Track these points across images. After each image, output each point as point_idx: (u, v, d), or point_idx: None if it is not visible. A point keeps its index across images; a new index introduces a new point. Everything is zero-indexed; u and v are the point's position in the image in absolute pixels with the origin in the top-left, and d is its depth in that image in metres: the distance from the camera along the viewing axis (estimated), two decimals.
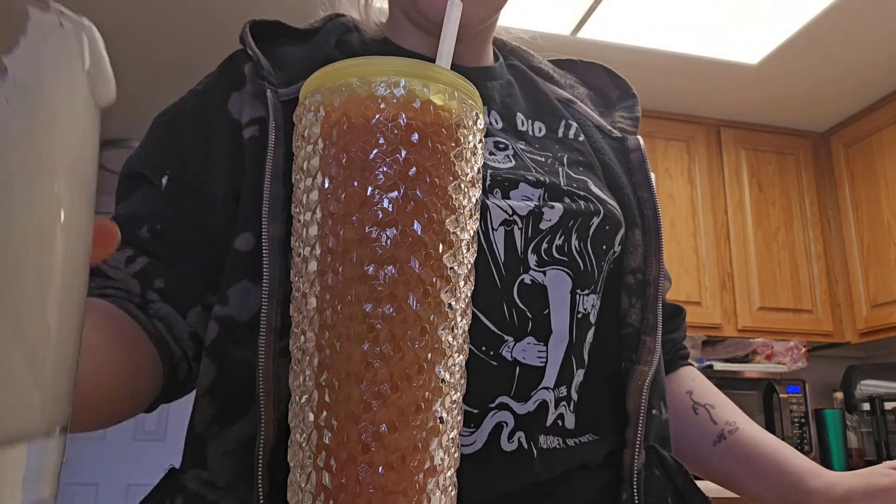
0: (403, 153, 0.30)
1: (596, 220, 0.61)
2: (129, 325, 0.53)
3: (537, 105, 0.71)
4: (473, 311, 0.43)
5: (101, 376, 0.47)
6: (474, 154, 0.33)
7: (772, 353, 2.73)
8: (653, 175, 0.71)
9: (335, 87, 0.32)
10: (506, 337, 0.56)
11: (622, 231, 0.64)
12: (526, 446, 0.56)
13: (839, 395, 2.89)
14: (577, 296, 0.60)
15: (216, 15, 2.35)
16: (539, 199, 0.60)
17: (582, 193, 0.62)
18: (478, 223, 0.34)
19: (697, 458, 0.72)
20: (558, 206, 0.59)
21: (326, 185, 0.31)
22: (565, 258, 0.59)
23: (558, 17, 2.30)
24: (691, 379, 0.76)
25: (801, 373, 2.68)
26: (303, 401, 0.31)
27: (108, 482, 3.39)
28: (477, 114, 0.34)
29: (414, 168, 0.30)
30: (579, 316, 0.60)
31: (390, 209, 0.30)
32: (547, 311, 0.58)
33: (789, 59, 2.56)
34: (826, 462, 2.65)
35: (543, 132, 0.68)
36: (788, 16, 2.31)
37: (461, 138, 0.32)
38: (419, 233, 0.30)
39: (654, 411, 0.63)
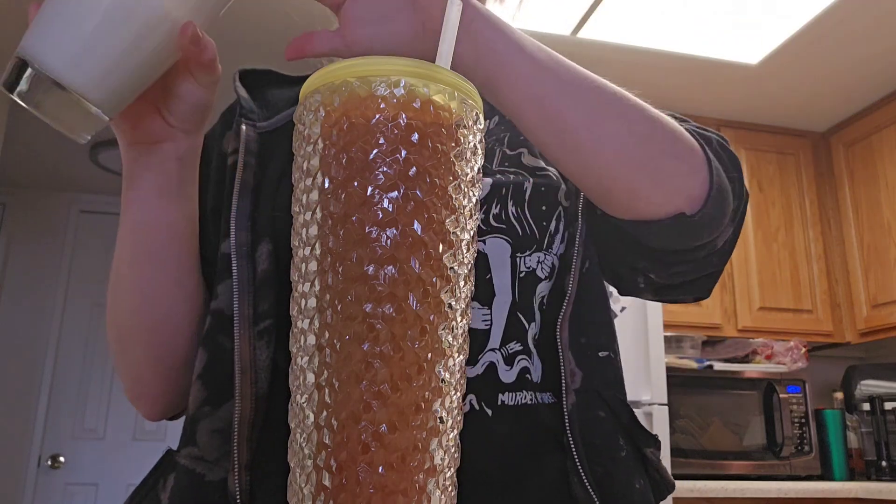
0: (403, 153, 0.30)
1: (528, 186, 0.64)
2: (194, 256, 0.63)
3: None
4: None
5: (177, 272, 0.60)
6: (474, 154, 0.33)
7: (772, 353, 2.73)
8: None
9: (335, 87, 0.31)
10: None
11: (563, 188, 0.66)
12: (478, 407, 0.58)
13: (839, 395, 2.89)
14: (518, 258, 0.63)
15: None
16: None
17: (512, 169, 0.66)
18: (478, 223, 0.34)
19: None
20: (487, 180, 0.63)
21: (326, 185, 0.31)
22: (503, 225, 0.63)
23: (558, 17, 2.30)
24: None
25: (801, 373, 2.68)
26: (303, 401, 0.31)
27: (108, 482, 3.39)
28: (477, 114, 0.34)
29: (414, 168, 0.30)
30: (521, 275, 0.63)
31: (390, 209, 0.30)
32: (489, 276, 0.61)
33: (789, 59, 2.56)
34: (826, 462, 2.65)
35: (497, 121, 0.73)
36: (788, 16, 2.31)
37: (461, 138, 0.32)
38: (419, 233, 0.30)
39: (601, 353, 0.64)
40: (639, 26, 2.36)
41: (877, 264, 2.76)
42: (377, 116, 0.30)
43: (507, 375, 0.60)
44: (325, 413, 0.30)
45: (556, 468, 0.60)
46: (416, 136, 0.30)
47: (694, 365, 2.61)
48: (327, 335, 0.30)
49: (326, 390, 0.30)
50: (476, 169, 0.34)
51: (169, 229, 0.60)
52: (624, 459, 0.61)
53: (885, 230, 2.74)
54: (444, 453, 0.31)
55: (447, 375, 0.31)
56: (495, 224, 0.63)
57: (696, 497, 2.13)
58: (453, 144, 0.32)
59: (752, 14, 2.29)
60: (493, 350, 0.60)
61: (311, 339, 0.31)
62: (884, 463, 2.58)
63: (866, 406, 2.69)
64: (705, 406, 2.49)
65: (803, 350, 2.72)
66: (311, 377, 0.31)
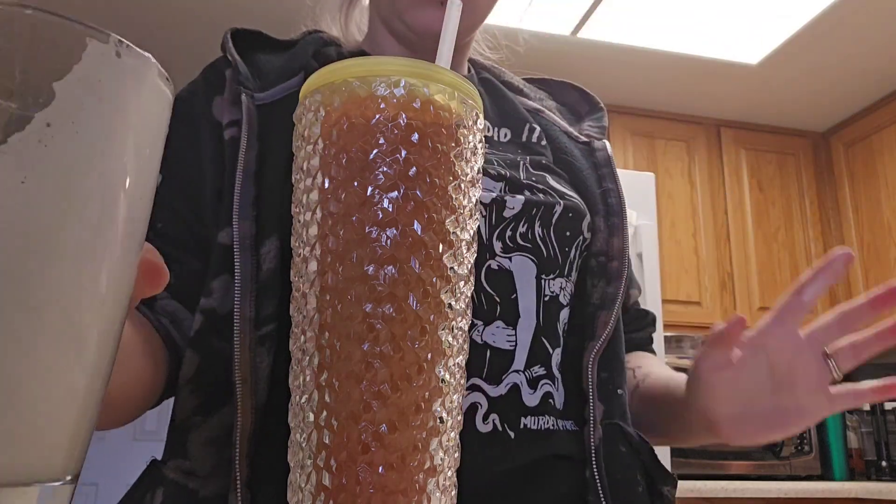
0: (403, 153, 0.30)
1: (558, 209, 0.64)
2: (144, 323, 0.55)
3: (504, 113, 0.74)
4: None
5: (131, 379, 0.49)
6: (474, 154, 0.33)
7: None
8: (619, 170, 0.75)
9: (335, 87, 0.31)
10: (475, 321, 0.59)
11: (588, 219, 0.67)
12: (501, 428, 0.57)
13: None
14: (543, 280, 0.63)
15: (206, 18, 2.35)
16: (500, 190, 0.63)
17: (541, 187, 0.65)
18: (478, 223, 0.34)
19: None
20: (520, 196, 0.62)
21: (326, 185, 0.31)
22: (529, 245, 0.62)
23: (558, 17, 2.30)
24: (642, 357, 0.79)
25: None
26: (303, 401, 0.31)
27: (108, 482, 3.39)
28: (477, 114, 0.34)
29: (414, 168, 0.30)
30: (546, 298, 0.62)
31: (390, 209, 0.30)
32: (514, 295, 0.61)
33: (789, 59, 2.56)
34: (826, 462, 2.65)
35: (508, 137, 0.72)
36: (788, 16, 2.31)
37: (461, 138, 0.32)
38: (419, 233, 0.30)
39: (619, 391, 0.65)
40: (639, 26, 2.36)
41: (877, 264, 2.76)
42: (377, 116, 0.30)
43: (531, 399, 0.60)
44: (325, 413, 0.30)
45: (570, 496, 0.60)
46: (416, 136, 0.30)
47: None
48: (327, 335, 0.30)
49: (326, 390, 0.30)
50: (476, 169, 0.34)
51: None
52: (640, 495, 0.61)
53: (885, 230, 2.74)
54: (445, 453, 0.31)
55: (447, 375, 0.31)
56: (522, 243, 0.62)
57: (696, 497, 2.13)
58: (453, 144, 0.32)
59: (752, 14, 2.29)
60: (517, 371, 0.59)
61: (311, 339, 0.31)
62: (884, 463, 2.58)
63: (866, 406, 2.69)
64: None
65: None
66: (311, 377, 0.31)
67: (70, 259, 0.21)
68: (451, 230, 0.31)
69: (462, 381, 0.33)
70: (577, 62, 2.55)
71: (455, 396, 0.32)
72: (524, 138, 0.72)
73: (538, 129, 0.73)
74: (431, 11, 0.64)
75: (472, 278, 0.34)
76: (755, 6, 2.25)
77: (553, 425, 0.61)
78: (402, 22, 0.66)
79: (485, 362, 0.58)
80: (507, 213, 0.62)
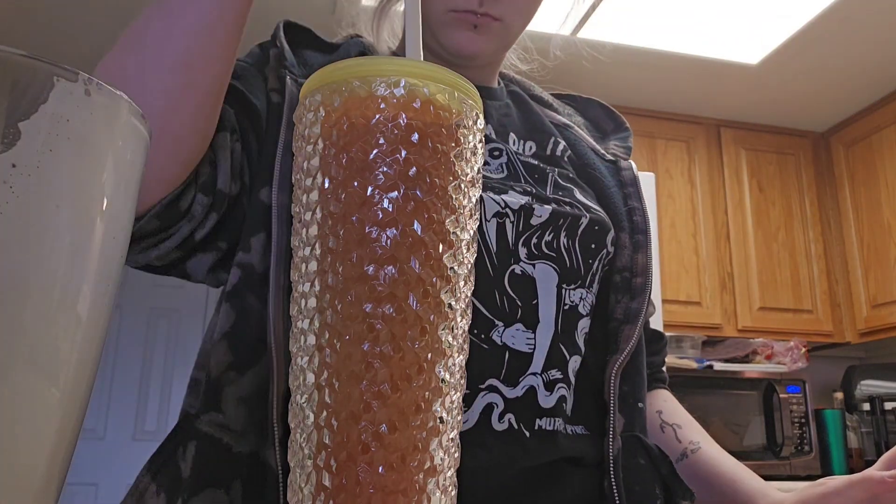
0: (403, 153, 0.30)
1: (584, 222, 0.66)
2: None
3: (531, 126, 0.76)
4: None
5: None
6: (474, 154, 0.33)
7: (772, 354, 2.73)
8: (646, 188, 0.77)
9: (335, 87, 0.31)
10: (496, 322, 0.60)
11: (612, 233, 0.68)
12: (517, 427, 0.59)
13: (839, 395, 2.89)
14: (564, 290, 0.64)
15: None
16: (528, 203, 0.65)
17: (567, 200, 0.67)
18: (478, 223, 0.34)
19: None
20: (548, 206, 0.64)
21: (326, 185, 0.31)
22: (553, 254, 0.63)
23: (558, 17, 2.29)
24: (663, 400, 0.80)
25: (801, 373, 2.68)
26: (303, 401, 0.31)
27: (108, 482, 3.39)
28: (477, 114, 0.34)
29: (414, 168, 0.30)
30: (566, 308, 0.64)
31: (390, 209, 0.30)
32: (535, 301, 0.62)
33: (789, 59, 2.56)
34: (826, 462, 2.65)
35: (533, 150, 0.73)
36: (788, 16, 2.31)
37: (461, 138, 0.32)
38: (419, 233, 0.30)
39: (640, 404, 0.66)
40: (639, 26, 2.36)
41: (877, 264, 2.76)
42: (377, 116, 0.30)
43: (547, 401, 0.61)
44: (325, 413, 0.30)
45: (582, 499, 0.61)
46: (416, 136, 0.30)
47: (694, 365, 2.61)
48: (327, 335, 0.30)
49: (326, 390, 0.30)
50: (476, 169, 0.34)
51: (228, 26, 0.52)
52: None
53: (885, 230, 2.73)
54: (445, 453, 0.31)
55: (447, 375, 0.31)
56: (546, 251, 0.63)
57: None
58: (453, 144, 0.32)
59: (752, 14, 2.29)
60: (534, 374, 0.61)
61: (311, 339, 0.31)
62: None
63: (866, 406, 2.69)
64: (705, 406, 2.49)
65: (803, 350, 2.72)
66: (311, 377, 0.31)
67: (41, 296, 0.21)
68: (451, 230, 0.31)
69: (462, 381, 0.33)
70: (576, 62, 2.54)
71: (455, 396, 0.32)
72: (548, 151, 0.74)
73: (563, 143, 0.75)
74: (465, 34, 0.66)
75: (472, 278, 0.34)
76: (755, 6, 2.25)
77: (563, 428, 0.62)
78: (437, 41, 0.68)
79: (503, 364, 0.59)
80: (535, 221, 0.63)
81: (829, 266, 2.94)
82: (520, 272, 0.62)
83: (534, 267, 0.62)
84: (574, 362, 0.64)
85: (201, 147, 0.55)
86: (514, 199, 0.63)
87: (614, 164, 0.76)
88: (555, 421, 0.61)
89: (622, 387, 0.64)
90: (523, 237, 0.62)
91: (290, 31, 0.69)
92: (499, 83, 0.79)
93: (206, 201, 0.57)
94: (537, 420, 0.60)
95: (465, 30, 0.66)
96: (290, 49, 0.66)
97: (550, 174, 0.69)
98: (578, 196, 0.69)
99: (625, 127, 0.84)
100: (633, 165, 0.77)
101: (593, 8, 2.26)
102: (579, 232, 0.65)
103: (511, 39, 0.71)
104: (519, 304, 0.61)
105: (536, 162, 0.71)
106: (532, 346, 0.61)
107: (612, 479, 0.60)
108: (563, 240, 0.64)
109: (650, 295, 0.68)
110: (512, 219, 0.62)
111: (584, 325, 0.66)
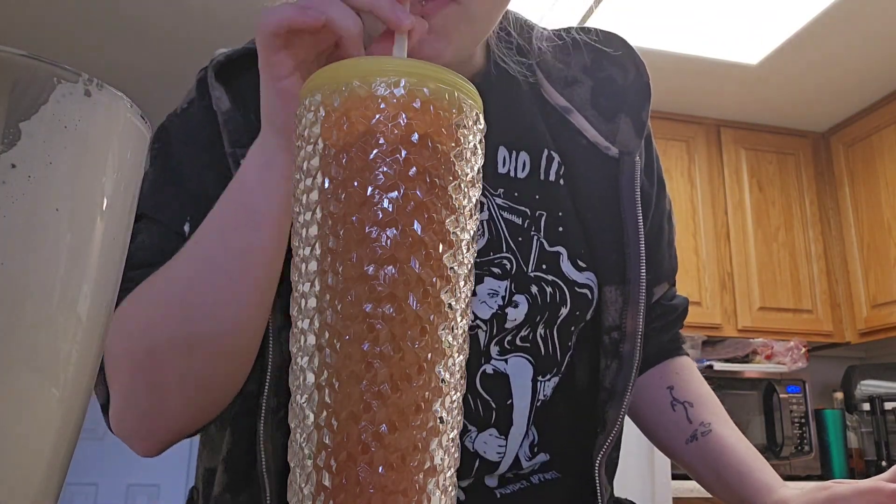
0: (403, 153, 0.30)
1: (564, 312, 0.61)
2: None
3: (520, 129, 0.65)
4: None
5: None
6: (474, 154, 0.33)
7: (772, 353, 2.73)
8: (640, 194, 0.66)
9: (335, 87, 0.31)
10: (469, 427, 0.58)
11: (594, 303, 0.63)
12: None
13: (839, 395, 2.89)
14: (539, 382, 0.61)
15: (222, 20, 2.35)
16: (505, 291, 0.59)
17: (550, 279, 0.60)
18: (478, 223, 0.34)
19: (671, 452, 0.75)
20: (523, 304, 0.59)
21: (326, 185, 0.31)
22: (528, 345, 0.60)
23: (558, 17, 2.30)
24: (675, 373, 0.76)
25: (801, 373, 2.68)
26: (303, 401, 0.31)
27: (108, 482, 3.39)
28: (477, 114, 0.34)
29: (414, 168, 0.30)
30: (538, 403, 0.61)
31: (390, 209, 0.30)
32: (510, 401, 0.59)
33: (789, 59, 2.56)
34: (826, 462, 2.65)
35: (527, 171, 0.64)
36: (788, 16, 2.30)
37: (461, 138, 0.32)
38: (419, 233, 0.30)
39: (616, 456, 0.67)
40: (639, 26, 2.36)
41: (877, 264, 2.76)
42: (377, 116, 0.30)
43: (498, 491, 0.61)
44: (325, 413, 0.30)
45: None
46: (416, 136, 0.30)
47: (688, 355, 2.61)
48: (327, 335, 0.30)
49: (326, 390, 0.30)
50: (476, 169, 0.34)
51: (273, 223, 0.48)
52: None
53: (885, 230, 2.73)
54: (445, 453, 0.31)
55: (447, 375, 0.31)
56: (520, 344, 0.60)
57: (696, 497, 2.13)
58: (453, 144, 0.32)
59: (752, 14, 2.29)
60: (498, 476, 0.61)
61: (311, 339, 0.31)
62: (884, 463, 2.58)
63: (866, 406, 2.69)
64: None
65: (803, 350, 2.72)
66: (311, 377, 0.31)
67: (41, 296, 0.21)
68: (451, 230, 0.31)
69: (462, 381, 0.33)
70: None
71: (455, 396, 0.32)
72: (542, 174, 0.64)
73: (557, 159, 0.65)
74: (429, 46, 0.52)
75: (472, 278, 0.34)
76: (755, 6, 2.25)
77: (522, 486, 0.62)
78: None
79: (472, 471, 0.59)
80: (509, 325, 0.59)
81: (829, 266, 2.94)
82: (491, 371, 0.59)
83: (506, 363, 0.59)
84: (541, 457, 0.63)
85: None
86: (490, 293, 0.59)
87: (616, 164, 0.66)
88: (512, 486, 0.61)
89: (608, 456, 0.64)
90: (496, 339, 0.59)
91: (222, 73, 0.59)
92: (491, 71, 0.66)
93: None
94: (498, 490, 0.60)
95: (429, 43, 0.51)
96: (233, 109, 0.57)
97: (535, 238, 0.61)
98: (563, 265, 0.61)
99: (646, 92, 0.72)
100: (637, 163, 0.66)
101: (593, 8, 2.26)
102: (558, 322, 0.61)
103: (479, 23, 0.54)
104: (493, 405, 0.58)
105: (521, 221, 0.62)
106: (501, 455, 0.59)
107: None
108: (539, 331, 0.60)
109: (637, 371, 0.63)
110: (484, 328, 0.58)
111: (553, 410, 0.64)
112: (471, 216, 0.33)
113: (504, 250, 0.60)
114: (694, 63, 2.59)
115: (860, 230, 2.85)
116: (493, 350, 0.59)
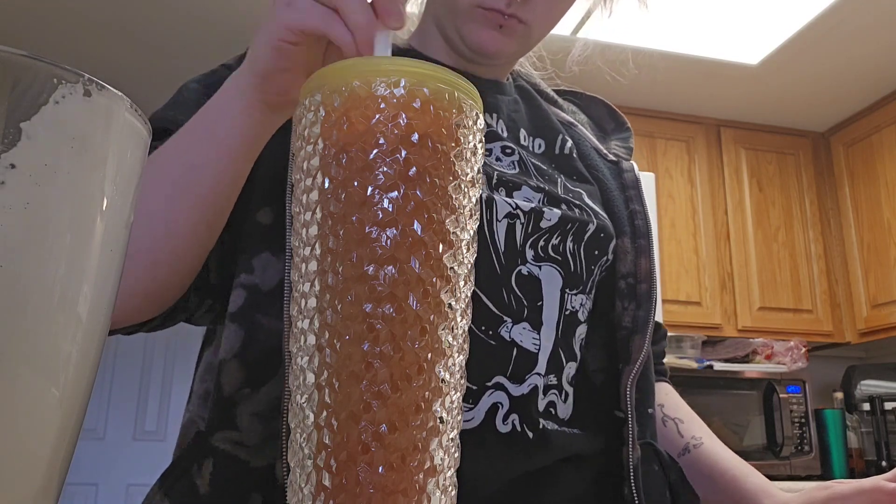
0: (403, 153, 0.30)
1: (591, 228, 0.66)
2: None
3: (539, 123, 0.76)
4: (475, 291, 0.45)
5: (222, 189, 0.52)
6: (474, 154, 0.33)
7: (772, 353, 2.73)
8: (647, 193, 0.77)
9: (335, 88, 0.31)
10: (505, 318, 0.60)
11: (614, 241, 0.69)
12: (520, 429, 0.59)
13: (839, 395, 2.89)
14: (567, 294, 0.64)
15: (219, 24, 2.35)
16: (539, 202, 0.65)
17: (577, 203, 0.67)
18: (478, 223, 0.34)
19: None
20: (557, 210, 0.64)
21: (326, 185, 0.31)
22: (559, 257, 0.64)
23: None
24: (665, 394, 0.80)
25: (801, 373, 2.67)
26: (303, 401, 0.31)
27: (108, 482, 3.39)
28: (477, 114, 0.34)
29: (414, 168, 0.30)
30: (567, 313, 0.64)
31: (390, 209, 0.30)
32: (540, 303, 0.62)
33: (789, 59, 2.56)
34: (826, 462, 2.65)
35: (543, 149, 0.73)
36: (788, 16, 2.30)
37: (461, 138, 0.32)
38: (419, 233, 0.30)
39: (650, 410, 0.67)
40: (639, 26, 2.36)
41: (877, 264, 2.76)
42: (377, 116, 0.30)
43: (540, 403, 0.62)
44: (325, 413, 0.30)
45: (579, 499, 0.62)
46: (416, 136, 0.30)
47: (694, 365, 2.61)
48: (327, 335, 0.30)
49: (326, 390, 0.30)
50: (476, 169, 0.34)
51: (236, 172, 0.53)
52: None
53: (885, 230, 2.73)
54: (445, 453, 0.31)
55: (447, 375, 0.31)
56: (552, 254, 0.64)
57: None
58: (453, 144, 0.32)
59: (752, 14, 2.29)
60: (538, 374, 0.61)
61: (311, 339, 0.31)
62: (884, 463, 2.58)
63: (866, 406, 2.69)
64: (705, 406, 2.49)
65: (803, 350, 2.72)
66: (311, 377, 0.31)
67: (42, 296, 0.21)
68: (451, 230, 0.31)
69: (462, 381, 0.33)
70: (576, 62, 2.54)
71: (455, 396, 0.32)
72: (557, 150, 0.74)
73: (570, 142, 0.75)
74: (489, 32, 0.65)
75: (472, 278, 0.34)
76: (755, 6, 2.25)
77: (556, 427, 0.62)
78: (459, 35, 0.67)
79: (510, 361, 0.60)
80: (544, 224, 0.64)
81: (829, 266, 2.94)
82: (526, 273, 0.62)
83: (540, 269, 0.63)
84: (570, 369, 0.65)
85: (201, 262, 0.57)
86: (526, 200, 0.64)
87: (616, 165, 0.76)
88: (546, 423, 0.62)
89: (634, 394, 0.65)
90: (531, 239, 0.63)
91: None
92: (507, 78, 0.79)
93: (200, 296, 0.60)
94: (541, 420, 0.60)
95: (490, 28, 0.65)
96: None
97: (559, 178, 0.70)
98: (587, 200, 0.69)
99: (626, 127, 0.84)
100: (635, 167, 0.77)
101: (593, 8, 2.25)
102: (585, 237, 0.66)
103: (532, 44, 0.72)
104: (525, 303, 0.62)
105: (546, 164, 0.71)
106: (537, 347, 0.61)
107: (633, 488, 0.61)
108: (569, 244, 0.65)
109: (656, 302, 0.68)
110: (522, 220, 0.63)
111: (581, 331, 0.67)
112: (471, 216, 0.33)
113: (535, 179, 0.67)
114: (694, 63, 2.59)
115: (860, 230, 2.85)
116: (528, 253, 0.63)
